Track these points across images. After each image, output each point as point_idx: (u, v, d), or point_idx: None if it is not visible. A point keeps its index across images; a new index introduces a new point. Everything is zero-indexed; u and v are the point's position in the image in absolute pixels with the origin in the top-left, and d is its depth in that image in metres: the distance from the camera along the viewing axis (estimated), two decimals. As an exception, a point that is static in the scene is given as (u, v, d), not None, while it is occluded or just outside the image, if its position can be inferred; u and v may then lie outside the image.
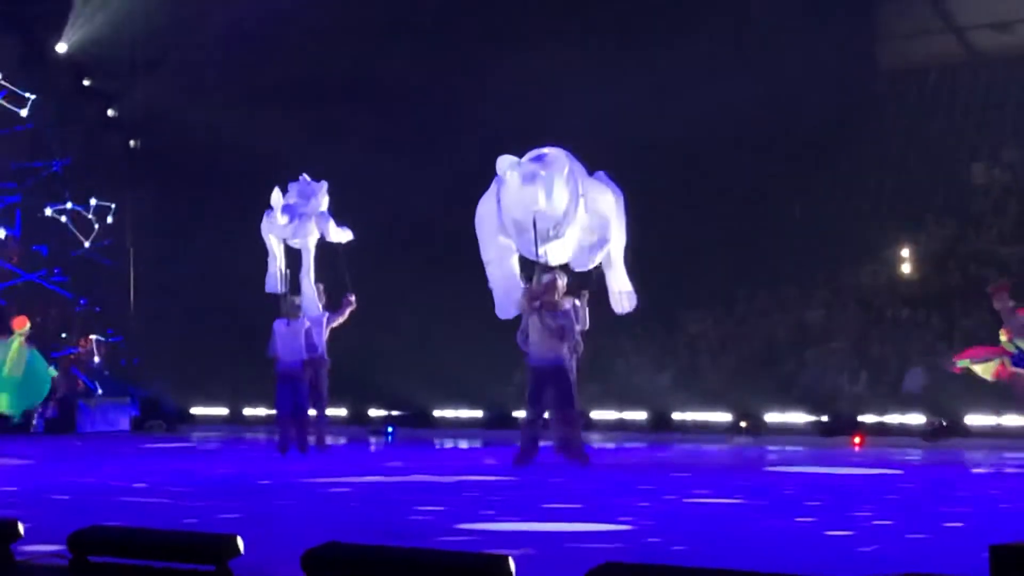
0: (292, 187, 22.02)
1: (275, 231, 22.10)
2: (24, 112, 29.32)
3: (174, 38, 30.03)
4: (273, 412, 23.27)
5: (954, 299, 28.15)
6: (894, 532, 11.20)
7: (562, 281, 18.67)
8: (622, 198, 19.39)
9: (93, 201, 29.90)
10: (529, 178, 18.03)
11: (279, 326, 21.64)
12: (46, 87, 30.05)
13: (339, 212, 22.02)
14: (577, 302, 18.69)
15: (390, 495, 14.84)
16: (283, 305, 21.83)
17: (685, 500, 14.20)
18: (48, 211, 29.84)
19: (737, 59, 27.92)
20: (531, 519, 12.25)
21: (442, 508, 13.09)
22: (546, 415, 18.89)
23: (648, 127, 26.09)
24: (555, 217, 18.19)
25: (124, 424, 29.14)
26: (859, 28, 32.67)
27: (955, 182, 31.50)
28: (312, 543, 7.54)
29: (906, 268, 30.11)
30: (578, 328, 18.59)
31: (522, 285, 19.02)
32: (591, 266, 19.25)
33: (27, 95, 29.36)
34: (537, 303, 18.47)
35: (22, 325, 24.92)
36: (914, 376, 26.16)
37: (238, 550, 7.79)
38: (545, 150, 18.49)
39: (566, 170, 18.20)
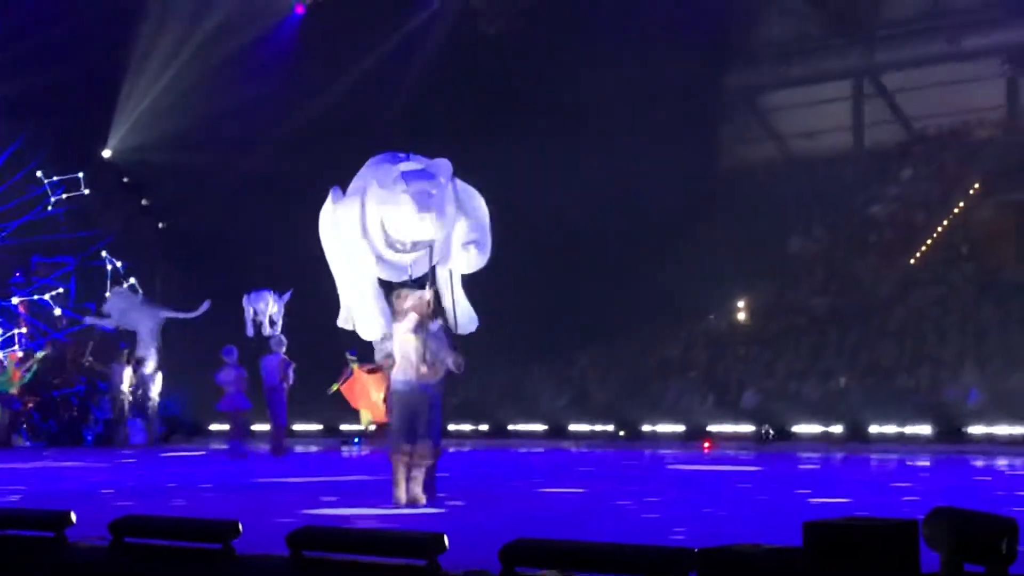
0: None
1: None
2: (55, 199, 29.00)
3: (197, 142, 29.84)
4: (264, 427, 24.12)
5: (777, 339, 28.32)
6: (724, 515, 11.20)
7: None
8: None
9: (133, 280, 29.62)
10: (424, 204, 12.35)
11: (277, 359, 22.59)
12: (94, 182, 29.76)
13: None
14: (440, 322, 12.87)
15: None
16: (275, 343, 22.89)
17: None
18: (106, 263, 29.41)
19: (616, 160, 27.99)
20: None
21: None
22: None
23: (553, 211, 26.14)
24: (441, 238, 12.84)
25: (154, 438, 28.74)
26: (701, 137, 32.91)
27: (777, 251, 31.76)
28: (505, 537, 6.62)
29: (742, 316, 30.29)
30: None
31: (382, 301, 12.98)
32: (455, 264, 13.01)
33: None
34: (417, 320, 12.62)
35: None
36: (749, 397, 26.27)
37: (443, 546, 6.55)
38: (415, 164, 12.79)
39: (450, 185, 12.73)
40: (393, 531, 7.13)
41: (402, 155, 13.06)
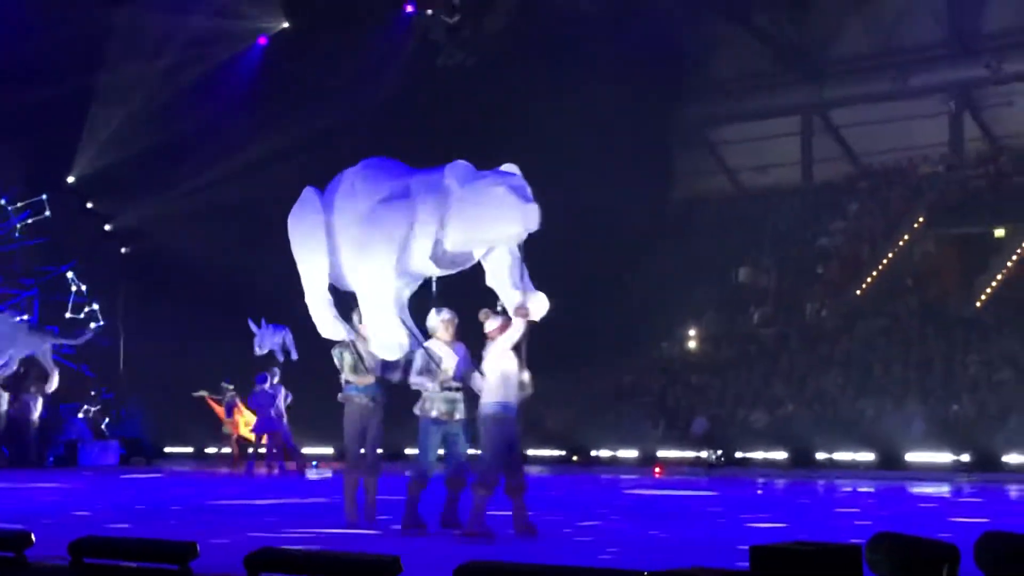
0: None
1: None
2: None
3: (161, 168, 29.71)
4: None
5: (727, 367, 28.43)
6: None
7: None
8: None
9: (95, 306, 29.45)
10: (523, 192, 11.73)
11: (281, 389, 23.69)
12: (59, 207, 29.60)
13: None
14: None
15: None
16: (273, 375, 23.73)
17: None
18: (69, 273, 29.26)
19: (572, 191, 27.95)
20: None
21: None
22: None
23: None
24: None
25: (114, 460, 28.56)
26: (656, 168, 33.04)
27: (727, 281, 31.93)
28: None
29: (693, 344, 30.39)
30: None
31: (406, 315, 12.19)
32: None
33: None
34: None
35: None
36: (699, 423, 26.35)
37: (399, 568, 6.54)
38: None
39: None
40: (350, 553, 7.09)
41: (399, 163, 12.45)
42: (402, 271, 11.79)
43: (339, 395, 12.64)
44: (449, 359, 11.78)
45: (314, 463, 26.70)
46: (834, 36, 33.09)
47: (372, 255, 11.73)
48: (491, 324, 11.47)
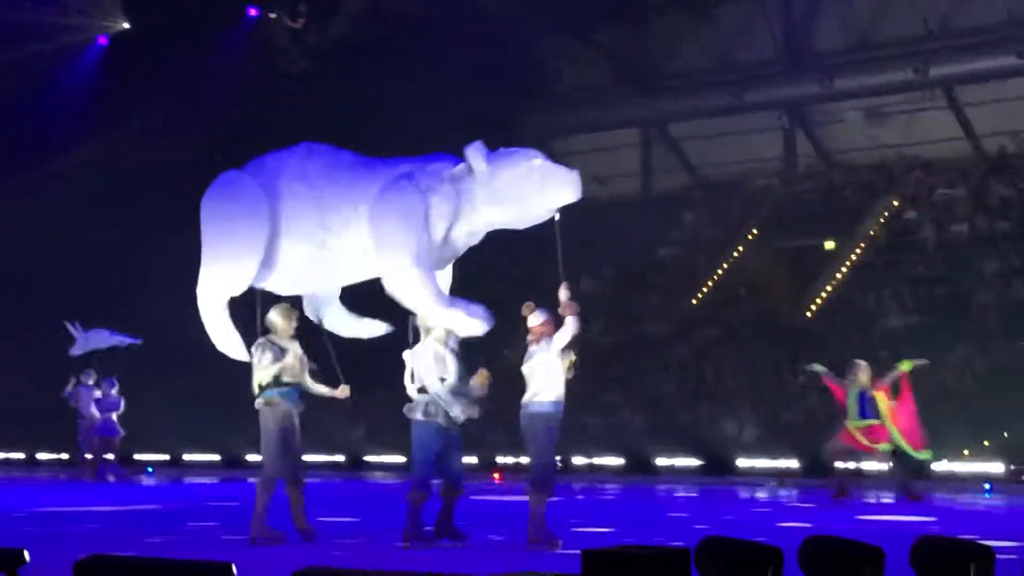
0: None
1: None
2: None
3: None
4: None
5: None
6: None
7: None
8: None
9: None
10: (565, 165, 11.58)
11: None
12: None
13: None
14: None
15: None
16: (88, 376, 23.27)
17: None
18: None
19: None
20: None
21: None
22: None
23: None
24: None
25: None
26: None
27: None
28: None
29: (533, 351, 30.51)
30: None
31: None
32: None
33: None
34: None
35: None
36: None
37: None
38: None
39: None
40: (180, 560, 6.98)
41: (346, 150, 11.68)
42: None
43: (257, 401, 11.37)
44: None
45: (149, 469, 26.27)
46: (673, 51, 33.64)
47: (405, 244, 10.80)
48: (536, 319, 10.94)
